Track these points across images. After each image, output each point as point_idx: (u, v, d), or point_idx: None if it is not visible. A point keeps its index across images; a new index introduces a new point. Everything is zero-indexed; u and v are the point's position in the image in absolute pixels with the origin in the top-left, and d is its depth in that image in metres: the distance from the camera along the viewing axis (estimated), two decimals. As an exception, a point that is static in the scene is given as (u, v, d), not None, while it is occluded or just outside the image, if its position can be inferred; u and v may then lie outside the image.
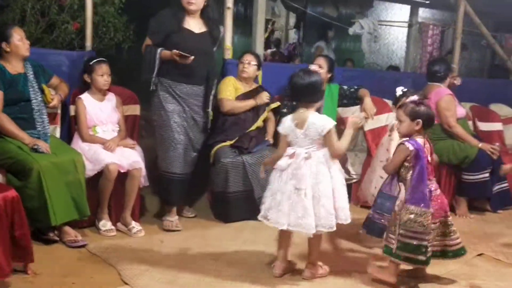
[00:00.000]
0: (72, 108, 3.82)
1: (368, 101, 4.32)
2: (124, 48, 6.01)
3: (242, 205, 4.00)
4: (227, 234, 3.73)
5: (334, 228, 2.84)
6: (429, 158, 2.95)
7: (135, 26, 5.58)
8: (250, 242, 3.57)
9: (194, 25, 3.78)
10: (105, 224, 3.60)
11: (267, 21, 10.45)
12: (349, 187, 4.08)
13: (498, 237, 3.89)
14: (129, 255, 3.20)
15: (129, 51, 7.04)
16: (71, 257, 3.17)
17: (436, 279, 3.05)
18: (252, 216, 3.98)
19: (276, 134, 4.30)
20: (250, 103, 4.21)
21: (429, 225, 2.82)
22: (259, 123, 4.25)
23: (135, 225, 3.64)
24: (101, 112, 3.79)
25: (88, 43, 4.29)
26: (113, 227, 3.62)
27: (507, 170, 2.58)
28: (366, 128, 4.72)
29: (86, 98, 3.77)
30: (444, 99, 4.48)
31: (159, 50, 3.64)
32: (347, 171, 4.51)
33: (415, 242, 2.82)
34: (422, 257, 2.83)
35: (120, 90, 4.07)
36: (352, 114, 4.84)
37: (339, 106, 4.56)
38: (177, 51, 3.54)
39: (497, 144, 4.58)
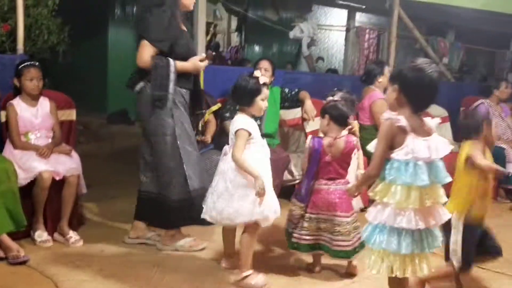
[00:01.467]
0: (3, 114, 3.64)
1: (308, 103, 4.43)
2: (59, 51, 5.83)
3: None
4: (170, 240, 3.67)
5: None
6: (328, 158, 3.03)
7: (70, 28, 5.42)
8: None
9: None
10: (41, 234, 3.45)
11: (209, 24, 10.45)
12: (293, 187, 4.18)
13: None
14: (67, 266, 3.09)
15: (65, 55, 6.81)
16: (4, 271, 3.01)
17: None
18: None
19: (215, 136, 4.30)
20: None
21: (296, 215, 3.07)
22: (200, 126, 4.21)
23: (73, 235, 3.51)
24: (34, 117, 3.63)
25: (20, 46, 4.11)
26: (49, 238, 3.48)
27: (350, 190, 2.59)
28: (307, 129, 4.81)
29: (17, 103, 3.61)
30: (376, 103, 4.65)
31: (172, 62, 3.23)
32: (290, 172, 4.57)
33: (289, 229, 3.13)
34: (290, 244, 3.14)
35: (55, 95, 3.92)
36: (294, 115, 4.95)
37: (281, 108, 4.62)
38: (211, 53, 3.44)
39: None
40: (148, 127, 3.38)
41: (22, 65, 3.60)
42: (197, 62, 3.37)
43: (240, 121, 2.91)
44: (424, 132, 2.22)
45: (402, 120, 2.15)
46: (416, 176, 2.13)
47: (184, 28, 3.43)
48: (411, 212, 2.16)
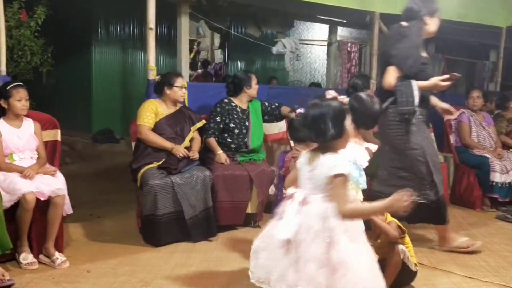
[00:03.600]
0: (-14, 136, 3.60)
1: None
2: (42, 72, 5.82)
3: (172, 227, 3.94)
4: (158, 258, 3.64)
5: None
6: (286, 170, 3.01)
7: (53, 49, 5.42)
8: (182, 265, 3.50)
9: None
10: (26, 257, 3.40)
11: (192, 42, 10.50)
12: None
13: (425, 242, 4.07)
14: (53, 288, 3.05)
15: (48, 75, 6.81)
16: (-11, 295, 2.96)
17: None
18: (183, 238, 3.96)
19: (201, 152, 4.30)
20: (166, 144, 4.07)
21: None
22: (186, 142, 4.22)
23: (59, 256, 3.46)
24: (18, 139, 3.60)
25: (3, 68, 4.08)
26: (35, 260, 3.42)
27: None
28: (294, 143, 4.83)
29: (1, 124, 3.58)
30: None
31: (414, 82, 3.59)
32: (276, 187, 4.57)
33: None
34: None
35: (39, 115, 3.90)
36: (279, 130, 4.97)
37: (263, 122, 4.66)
38: (455, 75, 3.65)
39: None
40: (396, 143, 3.76)
41: (11, 85, 3.59)
42: (438, 82, 3.65)
43: (342, 161, 2.20)
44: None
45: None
46: None
47: (425, 54, 3.83)
48: None
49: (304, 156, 2.32)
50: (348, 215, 2.13)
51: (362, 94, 2.81)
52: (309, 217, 2.16)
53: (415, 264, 3.01)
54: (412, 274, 3.00)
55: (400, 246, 2.89)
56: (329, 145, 2.20)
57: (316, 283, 2.09)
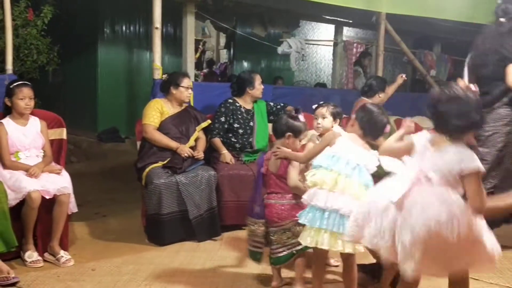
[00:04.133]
0: (-8, 134, 3.62)
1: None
2: (48, 71, 5.84)
3: (177, 226, 3.95)
4: (162, 257, 3.65)
5: None
6: (264, 169, 3.05)
7: (59, 48, 5.44)
8: (186, 265, 3.51)
9: None
10: (31, 255, 3.42)
11: (197, 42, 10.52)
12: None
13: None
14: (58, 286, 3.06)
15: (54, 74, 6.82)
16: (-6, 292, 2.98)
17: None
18: (188, 237, 3.97)
19: (206, 151, 4.31)
20: (172, 144, 4.09)
21: (252, 229, 3.07)
22: (191, 142, 4.22)
23: (64, 254, 3.48)
24: (24, 137, 3.62)
25: (9, 66, 4.11)
26: (40, 258, 3.44)
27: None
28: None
29: (7, 122, 3.60)
30: None
31: None
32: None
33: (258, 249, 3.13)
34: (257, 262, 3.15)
35: (44, 114, 3.92)
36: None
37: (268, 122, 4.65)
38: None
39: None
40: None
41: (14, 84, 3.61)
42: None
43: (471, 155, 2.17)
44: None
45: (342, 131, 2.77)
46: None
47: None
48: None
49: (425, 135, 2.35)
50: (486, 211, 2.17)
51: (371, 105, 2.85)
52: (425, 194, 2.16)
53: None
54: None
55: None
56: (459, 136, 2.21)
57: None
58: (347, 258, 2.70)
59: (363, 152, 2.69)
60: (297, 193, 2.92)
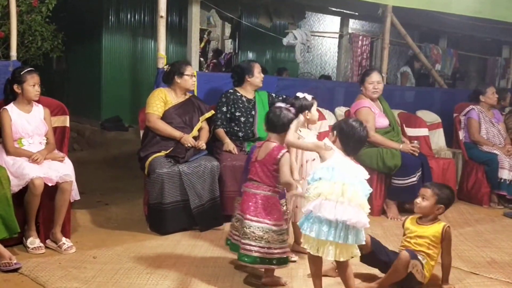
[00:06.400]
0: (-4, 120, 3.63)
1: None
2: (53, 58, 5.83)
3: (179, 216, 3.95)
4: (164, 246, 3.66)
5: None
6: (253, 157, 3.07)
7: (63, 35, 5.42)
8: (187, 254, 3.52)
9: None
10: (33, 241, 3.44)
11: (202, 31, 10.48)
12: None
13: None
14: (60, 273, 3.07)
15: (58, 61, 6.80)
16: (-4, 278, 2.99)
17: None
18: (189, 226, 3.98)
19: (209, 142, 4.31)
20: (175, 134, 4.08)
21: (236, 225, 3.05)
22: (194, 132, 4.22)
23: (65, 241, 3.50)
24: (28, 124, 3.63)
25: (13, 53, 4.10)
26: (41, 244, 3.46)
27: None
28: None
29: (11, 109, 3.61)
30: (360, 111, 4.75)
31: None
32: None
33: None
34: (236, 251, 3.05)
35: (48, 101, 3.92)
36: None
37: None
38: None
39: (416, 141, 4.82)
40: None
41: (25, 70, 3.61)
42: None
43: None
44: None
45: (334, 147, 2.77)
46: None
47: None
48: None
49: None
50: None
51: (351, 120, 2.84)
52: None
53: (426, 277, 2.99)
54: (416, 283, 2.97)
55: (413, 261, 2.89)
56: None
57: None
58: (342, 263, 2.75)
59: (355, 165, 2.76)
60: (287, 189, 2.96)
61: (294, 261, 3.35)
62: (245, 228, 2.92)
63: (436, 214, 3.09)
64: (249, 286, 3.05)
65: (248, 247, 2.91)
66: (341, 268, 2.79)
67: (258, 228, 2.91)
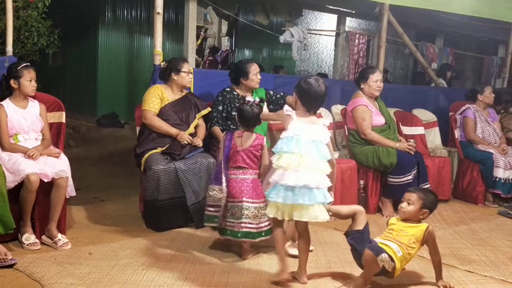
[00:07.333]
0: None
1: None
2: (49, 54, 5.82)
3: (175, 212, 3.95)
4: (160, 243, 3.66)
5: None
6: (239, 147, 3.38)
7: (60, 31, 5.41)
8: (183, 251, 3.52)
9: None
10: (29, 237, 3.43)
11: (199, 28, 10.47)
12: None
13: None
14: (55, 269, 3.06)
15: (54, 57, 6.78)
16: (-9, 274, 2.99)
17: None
18: (185, 223, 3.98)
19: (206, 139, 4.31)
20: (171, 131, 4.09)
21: (211, 194, 3.39)
22: (191, 129, 4.22)
23: (61, 238, 3.49)
24: (24, 119, 3.62)
25: (9, 48, 4.09)
26: (37, 240, 3.45)
27: None
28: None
29: (7, 105, 3.60)
30: (357, 109, 4.76)
31: None
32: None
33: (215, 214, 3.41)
34: (215, 225, 3.44)
35: (44, 97, 3.91)
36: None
37: (267, 111, 4.63)
38: None
39: (412, 140, 4.84)
40: None
41: (22, 65, 3.61)
42: None
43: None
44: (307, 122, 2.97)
45: (293, 114, 2.97)
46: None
47: None
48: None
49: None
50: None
51: (309, 78, 3.03)
52: None
53: (397, 268, 2.93)
54: (385, 272, 2.93)
55: (382, 256, 2.81)
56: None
57: None
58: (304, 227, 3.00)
59: (314, 128, 2.93)
60: (266, 169, 3.38)
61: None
62: (243, 210, 3.33)
63: (420, 218, 3.10)
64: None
65: (249, 225, 3.33)
66: (302, 233, 3.01)
67: (255, 207, 3.34)
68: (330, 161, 2.95)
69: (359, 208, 3.08)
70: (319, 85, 2.97)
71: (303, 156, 2.85)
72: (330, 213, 3.05)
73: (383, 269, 2.87)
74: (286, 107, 3.05)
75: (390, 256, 2.87)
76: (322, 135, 2.93)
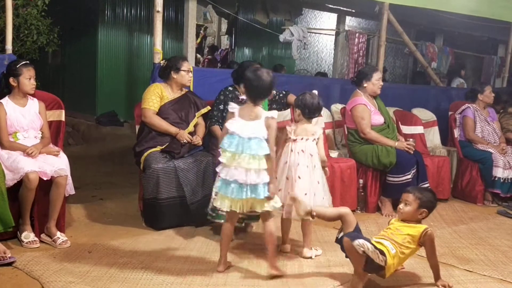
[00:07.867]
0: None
1: None
2: (48, 52, 5.81)
3: (174, 211, 3.95)
4: (159, 241, 3.66)
5: None
6: None
7: (59, 29, 5.40)
8: (182, 249, 3.52)
9: None
10: (28, 235, 3.43)
11: (199, 27, 10.46)
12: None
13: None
14: (54, 267, 3.07)
15: (54, 55, 6.77)
16: (-10, 272, 2.99)
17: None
18: (185, 222, 3.98)
19: (206, 138, 4.31)
20: (171, 129, 4.08)
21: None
22: (190, 128, 4.21)
23: (60, 236, 3.49)
24: (23, 117, 3.62)
25: (9, 46, 4.09)
26: (36, 239, 3.45)
27: None
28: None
29: (6, 103, 3.60)
30: (356, 108, 4.76)
31: None
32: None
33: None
34: (223, 221, 3.37)
35: (43, 95, 3.91)
36: (283, 118, 4.96)
37: (268, 110, 4.62)
38: None
39: (411, 139, 4.84)
40: None
41: (21, 63, 3.61)
42: None
43: None
44: (249, 117, 3.05)
45: (235, 109, 3.08)
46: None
47: None
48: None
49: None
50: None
51: (256, 69, 3.10)
52: None
53: (390, 264, 2.91)
54: (378, 268, 2.90)
55: (359, 241, 2.78)
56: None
57: None
58: (266, 217, 3.11)
59: (253, 125, 3.00)
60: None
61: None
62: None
63: (419, 218, 3.10)
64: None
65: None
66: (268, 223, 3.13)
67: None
68: (267, 156, 3.01)
69: (344, 210, 3.08)
70: (264, 76, 3.00)
71: (241, 156, 2.97)
72: (315, 214, 3.10)
73: (374, 265, 2.84)
74: (231, 104, 3.13)
75: (380, 250, 2.84)
76: (260, 132, 3.00)
